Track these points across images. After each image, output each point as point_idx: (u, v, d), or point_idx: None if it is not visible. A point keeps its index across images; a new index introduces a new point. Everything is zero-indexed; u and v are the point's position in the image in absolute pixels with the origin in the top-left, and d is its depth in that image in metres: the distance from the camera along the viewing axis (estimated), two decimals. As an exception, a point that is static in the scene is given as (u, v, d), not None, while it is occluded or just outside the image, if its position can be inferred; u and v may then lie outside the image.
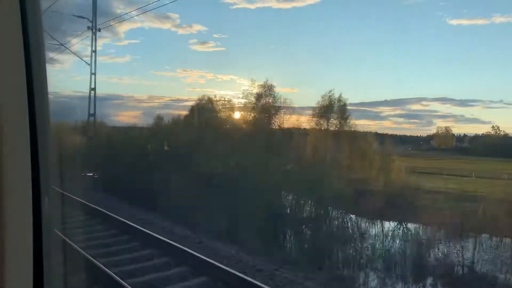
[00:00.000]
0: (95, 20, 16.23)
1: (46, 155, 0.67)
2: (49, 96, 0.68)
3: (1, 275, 0.60)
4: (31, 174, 0.64)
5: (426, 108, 24.91)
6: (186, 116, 12.45)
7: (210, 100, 11.38)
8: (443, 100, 24.07)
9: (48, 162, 0.68)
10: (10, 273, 0.61)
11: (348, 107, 11.63)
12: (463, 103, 23.15)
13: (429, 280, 6.93)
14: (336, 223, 9.37)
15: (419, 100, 22.89)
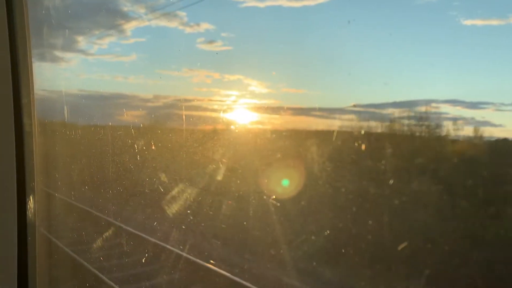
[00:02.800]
0: None
1: (31, 156, 0.67)
2: (36, 95, 0.69)
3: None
4: (16, 174, 0.64)
5: (436, 110, 24.53)
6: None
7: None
8: (453, 102, 23.84)
9: (34, 162, 0.68)
10: None
11: (356, 109, 11.41)
12: (474, 105, 22.86)
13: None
14: None
15: (428, 102, 22.65)
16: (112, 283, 4.56)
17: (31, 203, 0.69)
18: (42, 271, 0.76)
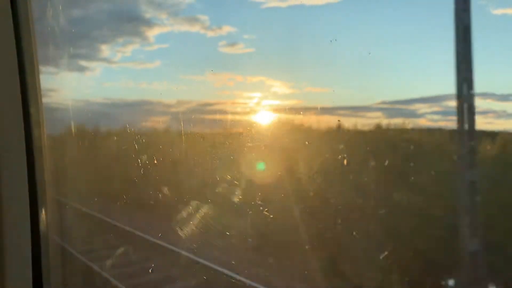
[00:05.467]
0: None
1: (42, 165, 0.68)
2: (44, 105, 0.69)
3: (1, 282, 0.61)
4: (27, 184, 0.65)
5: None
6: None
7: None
8: (483, 95, 23.06)
9: (45, 172, 0.69)
10: (10, 280, 0.62)
11: (382, 105, 11.11)
12: (505, 97, 22.11)
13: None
14: None
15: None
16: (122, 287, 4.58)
17: (43, 213, 0.70)
18: (57, 280, 0.77)
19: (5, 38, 0.61)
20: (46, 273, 0.69)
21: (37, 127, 0.68)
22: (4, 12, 0.60)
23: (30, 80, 0.66)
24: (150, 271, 5.76)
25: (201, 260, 4.99)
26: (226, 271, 4.75)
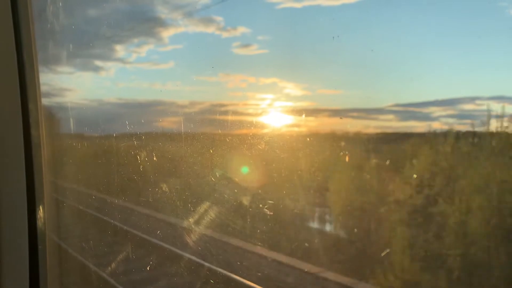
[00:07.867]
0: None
1: (40, 164, 0.68)
2: (43, 104, 0.69)
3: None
4: (25, 182, 0.65)
5: (480, 107, 23.40)
6: None
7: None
8: (500, 98, 22.65)
9: (43, 170, 0.68)
10: (7, 278, 0.62)
11: (395, 108, 10.94)
12: (522, 101, 21.70)
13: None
14: None
15: (472, 99, 21.63)
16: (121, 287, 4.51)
17: (41, 212, 0.70)
18: (53, 279, 0.77)
19: (5, 37, 0.61)
20: (43, 272, 0.69)
21: (35, 126, 0.68)
22: (4, 12, 0.60)
23: (29, 80, 0.66)
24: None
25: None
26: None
